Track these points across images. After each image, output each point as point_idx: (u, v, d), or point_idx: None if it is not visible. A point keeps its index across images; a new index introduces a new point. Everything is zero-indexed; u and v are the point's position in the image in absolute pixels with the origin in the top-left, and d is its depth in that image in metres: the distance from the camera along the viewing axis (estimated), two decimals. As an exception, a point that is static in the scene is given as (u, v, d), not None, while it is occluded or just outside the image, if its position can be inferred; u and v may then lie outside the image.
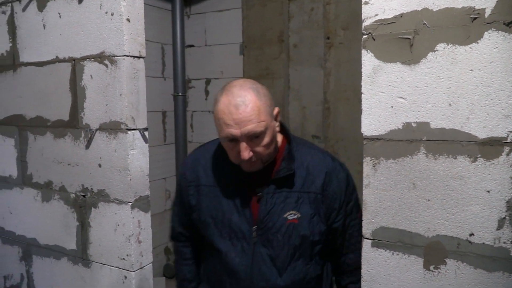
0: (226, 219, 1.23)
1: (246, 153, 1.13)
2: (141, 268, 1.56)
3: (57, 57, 1.62)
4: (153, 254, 3.30)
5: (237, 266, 1.22)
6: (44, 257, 1.77)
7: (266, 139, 1.15)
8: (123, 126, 1.49)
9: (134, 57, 1.49)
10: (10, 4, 1.73)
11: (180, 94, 3.40)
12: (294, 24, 3.15)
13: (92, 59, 1.53)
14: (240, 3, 3.28)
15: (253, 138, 1.13)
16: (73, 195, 1.65)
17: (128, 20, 1.46)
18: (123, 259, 1.54)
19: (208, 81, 3.50)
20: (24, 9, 1.68)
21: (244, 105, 1.12)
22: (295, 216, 1.22)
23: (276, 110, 1.20)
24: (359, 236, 1.23)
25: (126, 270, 1.54)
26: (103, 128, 1.54)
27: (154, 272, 3.29)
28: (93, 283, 1.63)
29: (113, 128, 1.51)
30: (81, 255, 1.65)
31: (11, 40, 1.75)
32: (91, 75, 1.54)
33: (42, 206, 1.74)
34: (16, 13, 1.72)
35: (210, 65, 3.47)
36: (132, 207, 1.51)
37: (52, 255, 1.75)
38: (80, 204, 1.63)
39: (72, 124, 1.62)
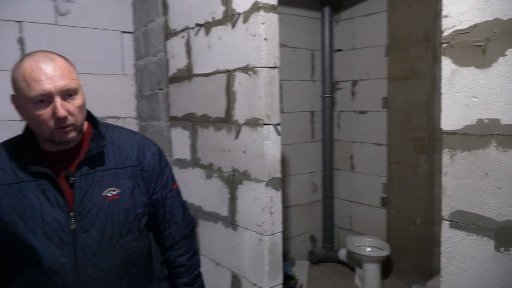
0: (36, 214, 1.13)
1: (62, 110, 1.08)
2: (272, 234, 1.96)
3: (217, 69, 2.14)
4: (300, 240, 3.71)
5: (58, 259, 1.13)
6: (206, 221, 2.34)
7: (79, 100, 1.14)
8: (260, 122, 1.91)
9: (270, 67, 1.90)
10: (187, 31, 2.33)
11: (327, 95, 3.74)
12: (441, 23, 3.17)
13: (240, 70, 1.99)
14: (386, 7, 3.43)
15: (67, 96, 1.11)
16: (226, 174, 2.15)
17: (265, 39, 1.87)
18: (259, 225, 1.97)
19: (354, 83, 3.75)
20: (196, 34, 2.26)
21: (55, 62, 1.10)
22: (115, 192, 1.22)
23: (80, 82, 1.17)
24: (179, 209, 1.38)
25: (261, 234, 1.96)
26: (247, 123, 1.99)
27: (300, 256, 3.72)
28: (238, 243, 2.11)
29: (254, 123, 1.95)
30: (230, 221, 2.15)
31: (187, 57, 2.36)
32: (239, 83, 2.01)
33: (205, 182, 2.31)
34: (190, 37, 2.31)
35: (357, 67, 3.71)
36: (266, 185, 1.93)
37: (211, 219, 2.29)
38: (230, 181, 2.13)
39: (227, 120, 2.12)
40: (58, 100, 1.08)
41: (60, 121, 1.10)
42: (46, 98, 1.08)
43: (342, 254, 3.66)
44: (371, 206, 3.66)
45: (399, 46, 3.37)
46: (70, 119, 1.11)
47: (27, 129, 1.21)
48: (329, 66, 3.73)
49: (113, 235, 1.20)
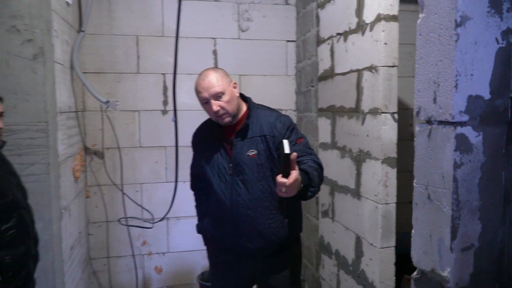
0: (214, 161, 1.93)
1: (215, 106, 1.82)
2: (386, 204, 2.38)
3: (351, 69, 2.65)
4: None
5: (223, 190, 1.90)
6: (340, 193, 2.86)
7: (226, 97, 1.84)
8: (379, 111, 2.36)
9: (388, 66, 2.33)
10: (331, 39, 2.90)
11: None
12: None
13: (367, 69, 2.47)
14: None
15: (217, 97, 1.82)
16: (354, 154, 2.65)
17: (385, 43, 2.31)
18: (376, 195, 2.41)
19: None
20: (337, 41, 2.81)
21: (208, 77, 1.84)
22: (254, 152, 1.87)
23: (233, 82, 1.92)
24: (305, 152, 1.85)
25: (376, 203, 2.41)
26: (370, 112, 2.45)
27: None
28: (361, 210, 2.58)
29: (374, 112, 2.40)
30: (356, 192, 2.64)
31: (331, 60, 2.92)
32: (366, 79, 2.49)
33: (340, 161, 2.84)
34: (334, 44, 2.87)
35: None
36: (382, 162, 2.36)
37: (343, 192, 2.81)
38: (357, 159, 2.62)
39: (356, 110, 2.61)
40: (212, 102, 1.83)
41: (216, 113, 1.85)
42: (207, 101, 1.85)
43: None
44: None
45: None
46: (221, 111, 1.85)
47: None
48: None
49: (252, 180, 1.88)
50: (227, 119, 1.87)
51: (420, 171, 0.73)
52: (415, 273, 0.77)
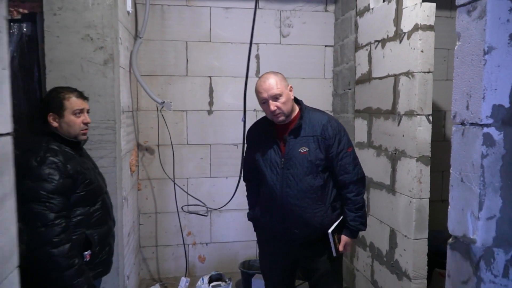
0: (267, 155, 2.19)
1: (272, 106, 2.06)
2: (419, 199, 2.58)
3: (388, 74, 2.86)
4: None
5: (274, 182, 2.15)
6: (375, 189, 3.07)
7: (283, 99, 2.08)
8: (415, 113, 2.56)
9: (424, 72, 2.53)
10: (369, 45, 3.11)
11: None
12: None
13: (403, 75, 2.67)
14: None
15: (275, 98, 2.06)
16: (390, 152, 2.85)
17: (422, 51, 2.51)
18: (410, 191, 2.61)
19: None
20: (375, 48, 3.02)
21: (268, 80, 2.09)
22: (305, 150, 2.12)
23: (289, 86, 2.15)
24: (351, 164, 2.15)
25: (410, 197, 2.61)
26: (406, 114, 2.65)
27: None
28: (396, 205, 2.78)
29: (409, 114, 2.60)
30: (391, 188, 2.84)
31: (369, 65, 3.13)
32: (402, 84, 2.69)
33: (375, 159, 3.05)
34: (372, 50, 3.08)
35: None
36: (416, 160, 2.56)
37: (378, 188, 3.02)
38: (392, 158, 2.82)
39: (392, 112, 2.81)
40: (270, 102, 2.08)
41: (273, 112, 2.09)
42: (265, 101, 2.10)
43: None
44: None
45: None
46: (277, 111, 2.08)
47: None
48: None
49: (301, 174, 2.12)
50: (282, 118, 2.11)
51: (455, 160, 0.96)
52: (450, 239, 0.99)
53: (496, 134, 0.88)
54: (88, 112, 2.12)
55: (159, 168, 3.76)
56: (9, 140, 0.77)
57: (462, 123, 0.94)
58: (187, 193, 3.79)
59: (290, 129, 2.17)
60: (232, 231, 3.99)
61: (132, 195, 3.48)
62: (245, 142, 2.49)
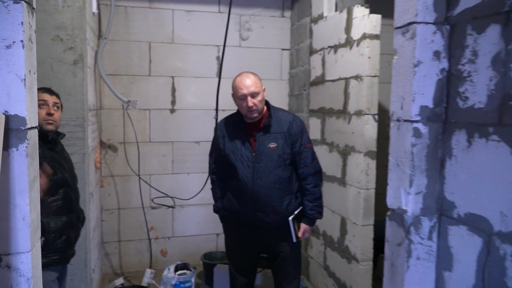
0: (238, 150, 2.39)
1: (250, 103, 2.28)
2: (367, 189, 2.89)
3: (339, 77, 3.15)
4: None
5: (245, 175, 2.36)
6: (328, 182, 3.36)
7: (259, 97, 2.31)
8: (363, 112, 2.86)
9: (371, 76, 2.83)
10: (323, 50, 3.39)
11: None
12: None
13: (353, 78, 2.97)
14: None
15: (253, 95, 2.28)
16: (341, 148, 3.15)
17: (369, 57, 2.82)
18: (358, 182, 2.91)
19: None
20: (328, 53, 3.31)
21: (249, 78, 2.31)
22: (274, 145, 2.35)
23: (263, 87, 2.37)
24: (310, 158, 2.41)
25: (359, 188, 2.91)
26: (355, 113, 2.95)
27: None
28: (346, 195, 3.08)
29: (358, 114, 2.90)
30: (342, 180, 3.14)
31: (322, 68, 3.42)
32: (352, 86, 2.99)
33: (328, 154, 3.34)
34: (325, 55, 3.37)
35: None
36: (364, 155, 2.87)
37: (331, 181, 3.31)
38: (343, 153, 3.12)
39: (343, 111, 3.11)
40: (249, 99, 2.29)
41: (249, 108, 2.30)
42: (244, 97, 2.29)
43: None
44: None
45: None
46: (254, 107, 2.30)
47: (238, 111, 2.48)
48: None
49: (271, 167, 2.36)
50: (255, 114, 2.34)
51: (392, 149, 1.21)
52: (388, 212, 1.24)
53: (423, 128, 1.15)
54: (60, 108, 2.24)
55: (122, 165, 3.87)
56: (37, 132, 0.93)
57: (398, 120, 1.20)
58: (152, 187, 3.92)
59: (260, 126, 2.39)
60: (194, 225, 4.16)
61: (96, 191, 3.58)
62: (214, 137, 2.60)
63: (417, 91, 1.13)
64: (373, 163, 2.88)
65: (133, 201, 3.94)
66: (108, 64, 3.75)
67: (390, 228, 1.23)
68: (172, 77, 3.96)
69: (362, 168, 2.87)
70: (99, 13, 3.64)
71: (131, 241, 4.03)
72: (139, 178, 3.83)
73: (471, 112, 1.06)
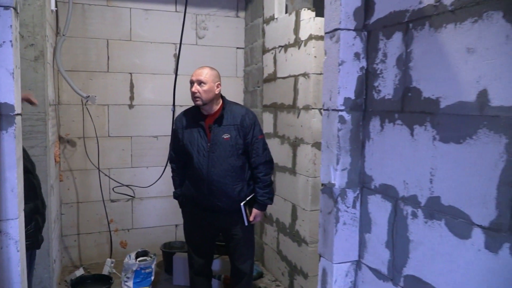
0: (195, 140, 2.58)
1: (194, 88, 2.51)
2: (314, 177, 3.16)
3: (289, 74, 3.41)
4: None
5: (201, 163, 2.56)
6: (280, 172, 3.61)
7: (205, 87, 2.50)
8: (310, 107, 3.13)
9: (317, 74, 3.11)
10: (274, 49, 3.64)
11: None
12: None
13: (301, 75, 3.23)
14: None
15: (199, 83, 2.50)
16: (292, 140, 3.41)
17: (315, 57, 3.09)
18: (307, 171, 3.18)
19: None
20: (279, 52, 3.56)
21: (201, 69, 2.57)
22: (228, 136, 2.56)
23: (218, 82, 2.58)
24: (261, 149, 2.61)
25: (307, 177, 3.18)
26: (303, 108, 3.21)
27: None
28: (296, 183, 3.35)
29: (306, 108, 3.17)
30: (293, 170, 3.40)
31: (274, 66, 3.67)
32: (300, 83, 3.25)
33: (280, 146, 3.59)
34: (276, 54, 3.61)
35: None
36: (311, 146, 3.14)
37: (282, 171, 3.56)
38: (293, 145, 3.38)
39: (293, 106, 3.37)
40: (194, 85, 2.53)
41: (193, 94, 2.52)
42: (192, 83, 2.54)
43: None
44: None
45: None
46: (197, 94, 2.51)
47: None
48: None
49: (225, 156, 2.57)
50: (199, 102, 2.54)
51: (324, 134, 1.46)
52: (321, 186, 1.49)
53: (347, 116, 1.40)
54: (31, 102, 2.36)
55: (81, 160, 3.95)
56: (20, 118, 1.09)
57: (327, 109, 1.45)
58: (112, 178, 4.03)
59: (215, 118, 2.59)
60: (153, 217, 4.30)
61: (56, 185, 3.65)
62: (174, 128, 2.79)
63: (342, 85, 1.38)
64: (319, 153, 3.15)
65: (93, 195, 4.04)
66: (66, 60, 3.82)
67: (323, 200, 1.48)
68: (130, 73, 4.08)
69: (310, 158, 3.14)
70: (57, 10, 3.70)
71: (90, 234, 4.12)
72: (99, 171, 3.93)
73: (383, 102, 1.32)
